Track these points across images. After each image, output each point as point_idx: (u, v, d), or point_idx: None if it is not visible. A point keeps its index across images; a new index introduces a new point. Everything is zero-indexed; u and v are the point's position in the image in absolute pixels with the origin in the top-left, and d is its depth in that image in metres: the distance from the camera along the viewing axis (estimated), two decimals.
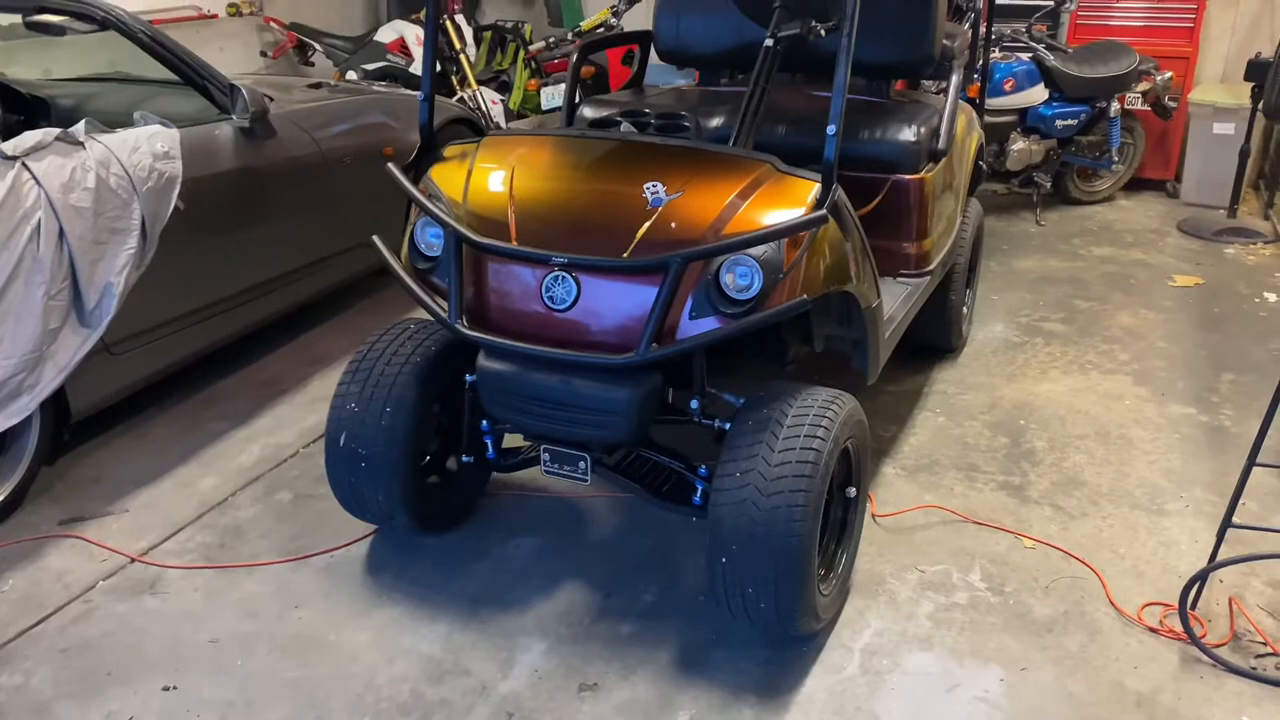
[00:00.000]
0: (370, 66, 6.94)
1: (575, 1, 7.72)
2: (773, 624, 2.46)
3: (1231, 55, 6.34)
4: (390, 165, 2.78)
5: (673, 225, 2.43)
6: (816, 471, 2.34)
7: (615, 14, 6.26)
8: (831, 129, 2.39)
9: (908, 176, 3.29)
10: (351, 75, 6.92)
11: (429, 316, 2.64)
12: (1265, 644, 2.56)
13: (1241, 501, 2.74)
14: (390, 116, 4.75)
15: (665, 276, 2.35)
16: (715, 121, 3.42)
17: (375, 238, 2.79)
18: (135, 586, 2.82)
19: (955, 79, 3.57)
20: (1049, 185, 5.97)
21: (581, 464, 2.63)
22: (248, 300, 3.96)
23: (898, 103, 3.66)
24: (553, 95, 5.48)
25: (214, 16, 7.01)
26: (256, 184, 3.92)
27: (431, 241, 2.69)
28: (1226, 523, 2.62)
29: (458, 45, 6.84)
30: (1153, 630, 2.63)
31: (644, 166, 2.62)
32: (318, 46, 7.17)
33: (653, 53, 4.07)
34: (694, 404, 2.63)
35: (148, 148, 3.43)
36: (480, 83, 6.83)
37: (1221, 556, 2.66)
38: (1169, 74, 5.76)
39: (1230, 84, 6.18)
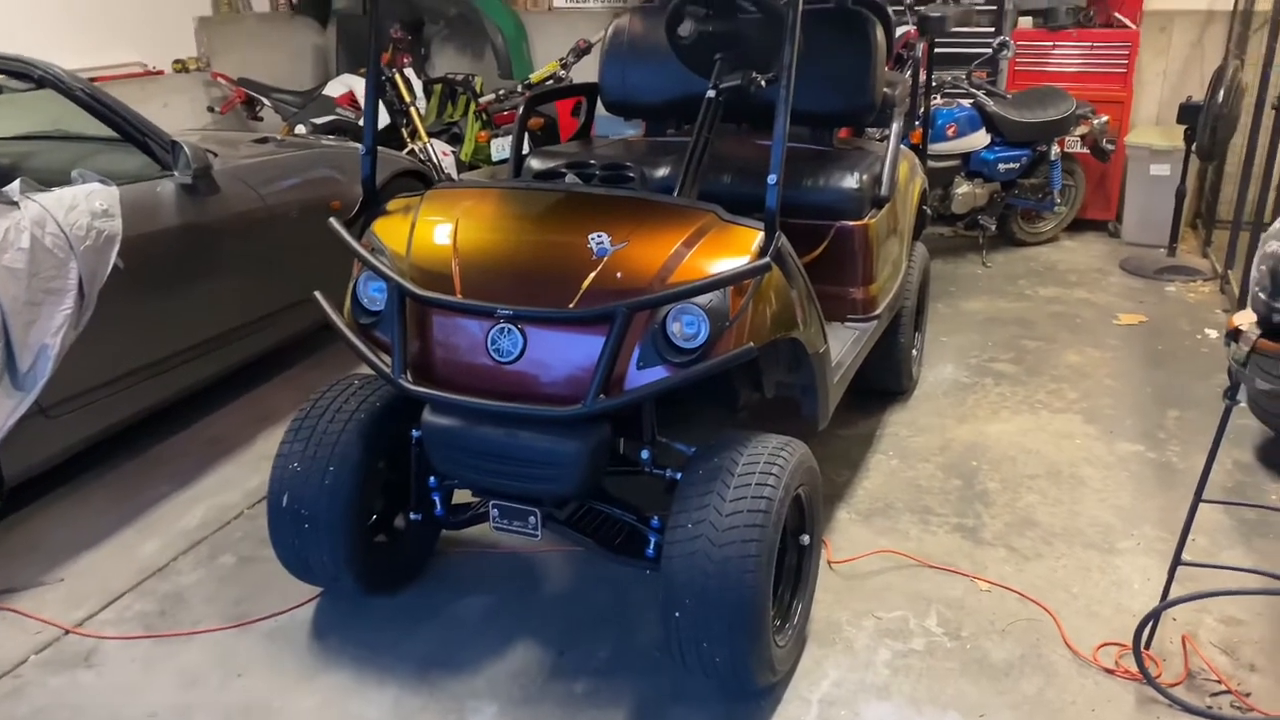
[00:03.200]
0: (319, 120, 6.92)
1: (524, 54, 7.77)
2: (729, 678, 2.42)
3: (1164, 99, 6.52)
4: (332, 220, 2.75)
5: (618, 275, 2.42)
6: (769, 520, 2.32)
7: (564, 66, 6.31)
8: (772, 178, 2.41)
9: (852, 223, 3.31)
10: (301, 130, 6.89)
11: (372, 372, 2.60)
12: (1219, 682, 2.56)
13: (1191, 538, 2.77)
14: (337, 170, 4.72)
15: (611, 326, 2.33)
16: (661, 172, 3.44)
17: (317, 293, 2.75)
18: (70, 660, 2.72)
19: (896, 126, 3.62)
20: (994, 228, 6.07)
21: (531, 519, 2.58)
22: (191, 359, 3.88)
23: (840, 151, 3.70)
24: (502, 147, 5.50)
25: (160, 73, 6.96)
26: (199, 241, 3.86)
27: (374, 296, 2.66)
28: (1176, 560, 2.64)
29: (408, 98, 6.84)
30: (1108, 671, 2.62)
31: (589, 217, 2.62)
32: (266, 101, 7.14)
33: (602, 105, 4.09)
34: (644, 454, 2.60)
35: (85, 206, 3.37)
36: (432, 135, 6.84)
37: (1173, 594, 2.67)
38: (1105, 118, 5.90)
39: (1164, 126, 6.34)
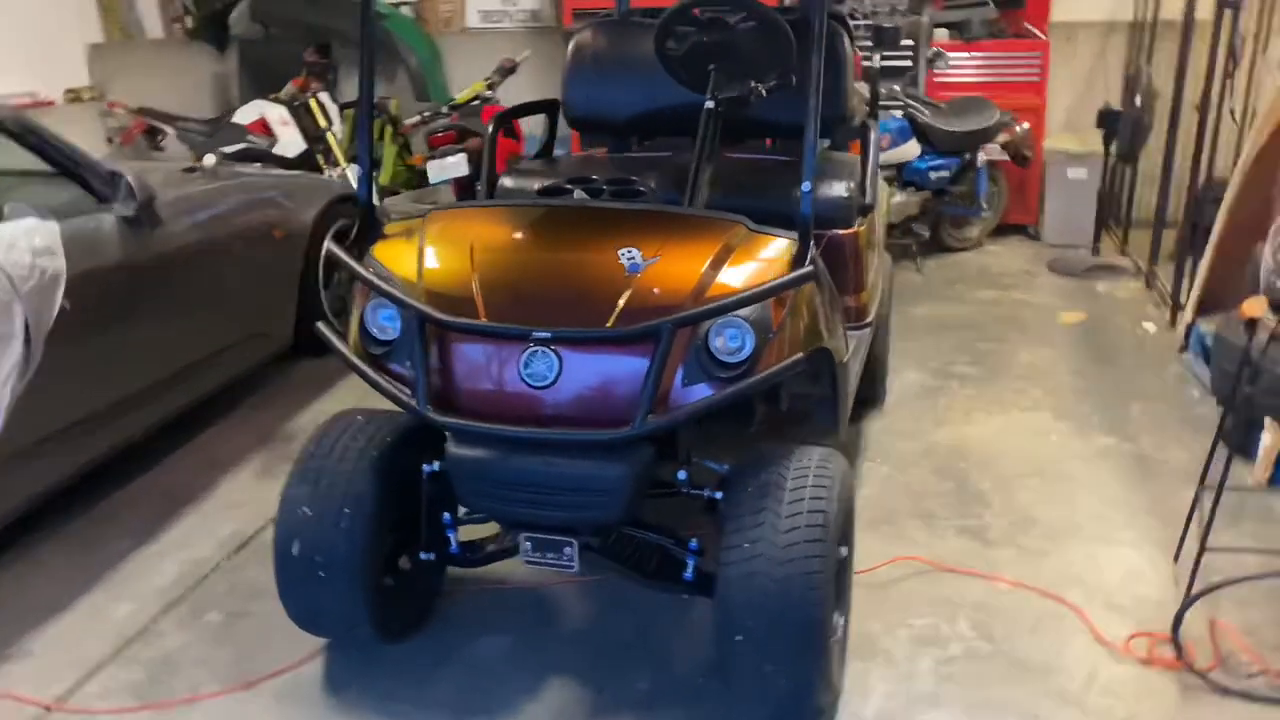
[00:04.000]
0: (230, 149, 6.58)
1: (439, 77, 7.61)
2: (789, 701, 2.34)
3: (1072, 106, 6.80)
4: (331, 245, 2.59)
5: (655, 291, 2.34)
6: (827, 535, 2.26)
7: (491, 86, 6.19)
8: (806, 186, 2.38)
9: (843, 231, 3.30)
10: (210, 159, 6.56)
11: (377, 406, 2.45)
12: (1253, 663, 2.61)
13: (1191, 526, 2.85)
14: (279, 198, 4.50)
15: (657, 344, 2.24)
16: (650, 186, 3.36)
17: (320, 325, 2.58)
18: None
19: (874, 136, 3.63)
20: (927, 235, 6.20)
21: (567, 550, 2.46)
22: (140, 405, 3.61)
23: (820, 162, 3.69)
24: (441, 169, 5.35)
25: (50, 103, 6.56)
26: (143, 277, 3.60)
27: (384, 325, 2.49)
28: (1202, 549, 2.69)
29: (323, 124, 6.61)
30: (1145, 662, 2.64)
31: (613, 232, 2.53)
32: (169, 130, 6.78)
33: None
34: (681, 475, 2.51)
35: (25, 244, 3.11)
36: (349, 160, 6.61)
37: (1187, 582, 2.72)
38: (1027, 125, 6.10)
39: (1077, 132, 6.60)
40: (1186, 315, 4.66)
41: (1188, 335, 4.64)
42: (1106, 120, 5.69)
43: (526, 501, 2.36)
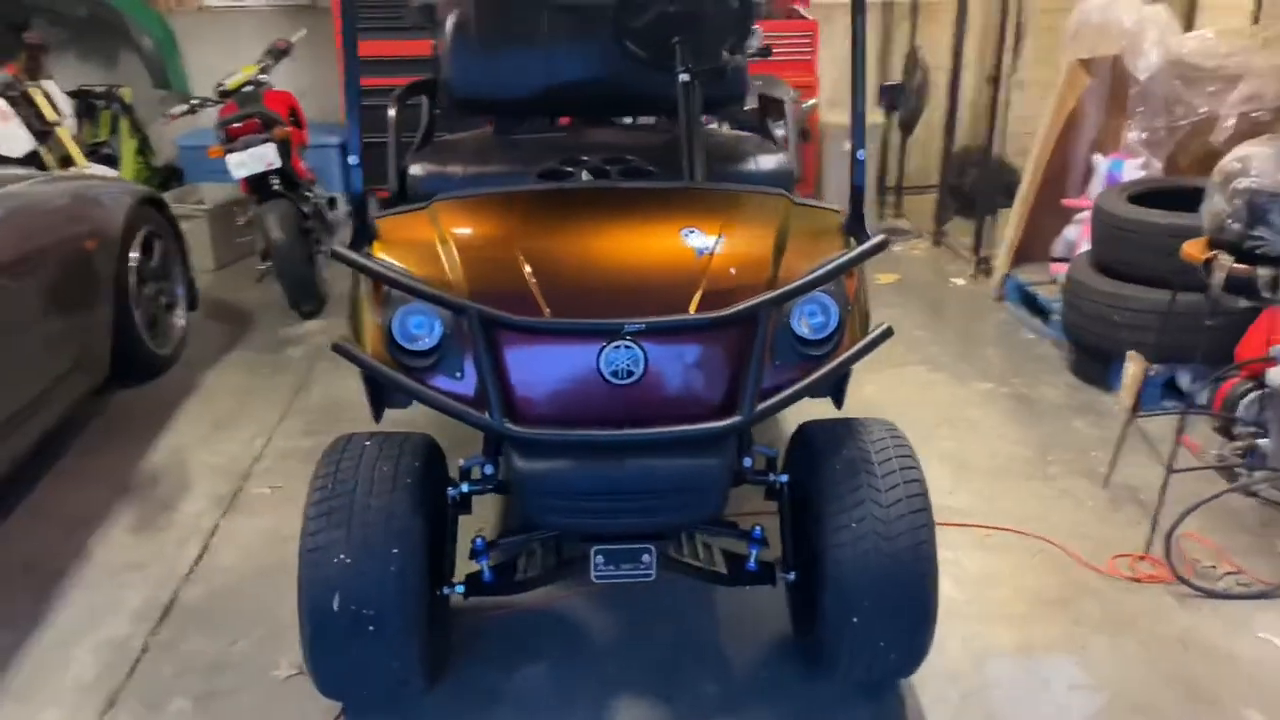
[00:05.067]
0: None
1: (177, 62, 6.75)
2: (896, 674, 2.34)
3: (836, 81, 7.24)
4: (339, 249, 2.21)
5: (732, 272, 2.21)
6: (926, 501, 2.26)
7: (264, 70, 5.55)
8: (861, 154, 2.35)
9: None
10: None
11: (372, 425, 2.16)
12: (1217, 566, 2.93)
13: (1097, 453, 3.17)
14: (84, 203, 3.80)
15: (756, 327, 2.12)
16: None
17: (340, 343, 2.21)
18: None
19: (789, 109, 3.66)
20: None
21: (646, 557, 2.28)
22: None
23: (728, 134, 3.67)
24: (243, 162, 4.72)
25: None
26: None
27: (416, 333, 2.17)
28: (1169, 472, 2.98)
29: (51, 116, 5.65)
30: (1136, 580, 2.89)
31: (661, 213, 2.36)
32: None
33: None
34: (747, 462, 2.40)
35: None
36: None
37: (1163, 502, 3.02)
38: (814, 101, 6.42)
39: (842, 106, 7.03)
40: (1002, 268, 5.14)
41: (1003, 285, 5.12)
42: (888, 93, 6.11)
43: (614, 510, 2.16)
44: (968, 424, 3.87)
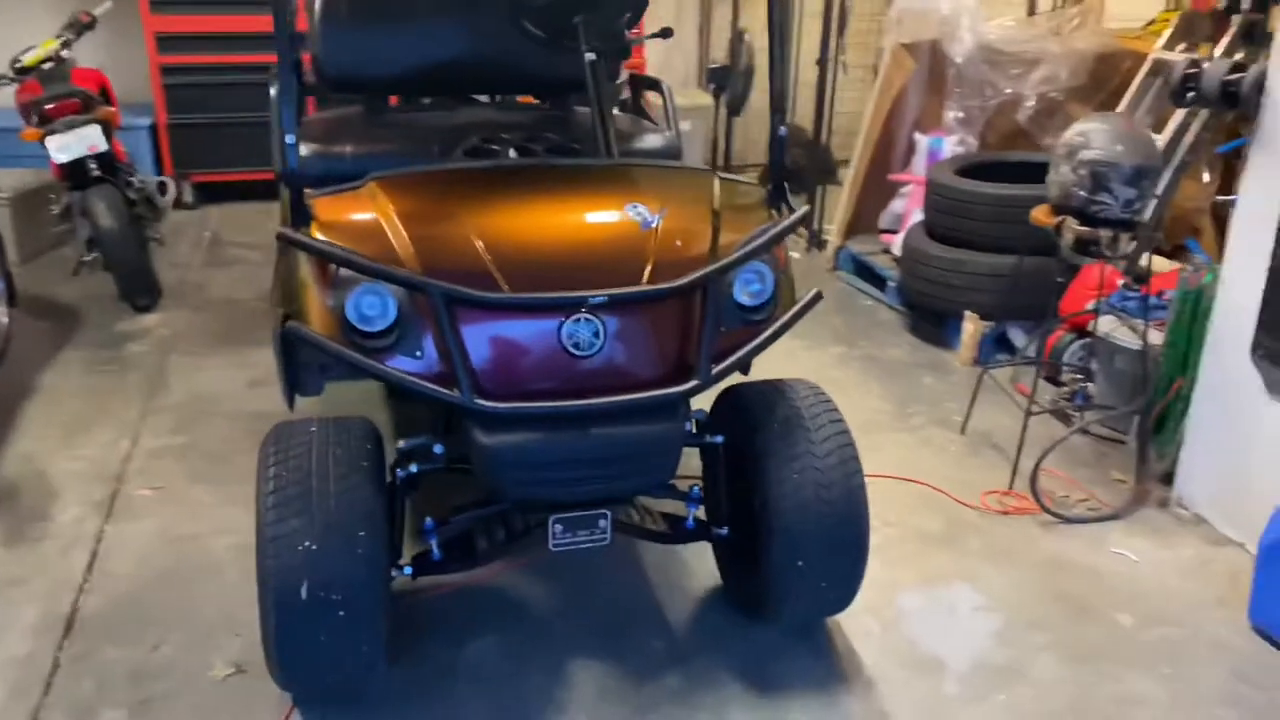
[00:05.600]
0: None
1: None
2: (832, 611, 2.54)
3: (659, 65, 7.43)
4: (288, 232, 2.15)
5: (677, 244, 2.31)
6: (855, 449, 2.45)
7: (66, 45, 5.11)
8: (783, 131, 2.50)
9: None
10: None
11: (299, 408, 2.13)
12: (1070, 496, 3.32)
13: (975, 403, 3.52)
14: None
15: (705, 295, 2.24)
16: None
17: (293, 324, 2.15)
18: None
19: (666, 88, 3.77)
20: None
21: (602, 522, 2.35)
22: None
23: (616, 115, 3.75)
24: (66, 144, 4.31)
25: None
26: None
27: (369, 314, 2.15)
28: (1027, 415, 3.33)
29: None
30: (1006, 513, 3.23)
31: (601, 189, 2.42)
32: None
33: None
34: (687, 426, 2.52)
35: None
36: None
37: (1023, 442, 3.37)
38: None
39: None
40: (835, 240, 5.48)
41: (837, 256, 5.47)
42: (716, 76, 6.34)
43: (580, 479, 2.23)
44: (834, 384, 4.03)
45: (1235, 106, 2.95)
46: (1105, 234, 3.07)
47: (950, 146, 5.16)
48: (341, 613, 2.11)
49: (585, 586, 2.83)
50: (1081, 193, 3.04)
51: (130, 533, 3.02)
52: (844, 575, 2.44)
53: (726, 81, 6.27)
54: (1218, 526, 3.12)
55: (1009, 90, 5.10)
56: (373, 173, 2.37)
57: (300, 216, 2.23)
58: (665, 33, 3.60)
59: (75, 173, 4.67)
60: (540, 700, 2.41)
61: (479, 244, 2.21)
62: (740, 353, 2.30)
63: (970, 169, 4.58)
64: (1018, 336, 4.32)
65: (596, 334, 2.18)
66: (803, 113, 6.38)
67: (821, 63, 5.60)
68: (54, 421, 3.66)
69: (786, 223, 2.40)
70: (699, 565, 2.86)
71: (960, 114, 5.11)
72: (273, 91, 3.26)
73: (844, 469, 2.40)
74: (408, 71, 3.49)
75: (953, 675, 2.52)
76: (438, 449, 2.35)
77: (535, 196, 2.41)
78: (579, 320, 2.17)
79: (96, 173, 4.66)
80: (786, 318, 2.37)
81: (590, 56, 2.88)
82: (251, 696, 2.37)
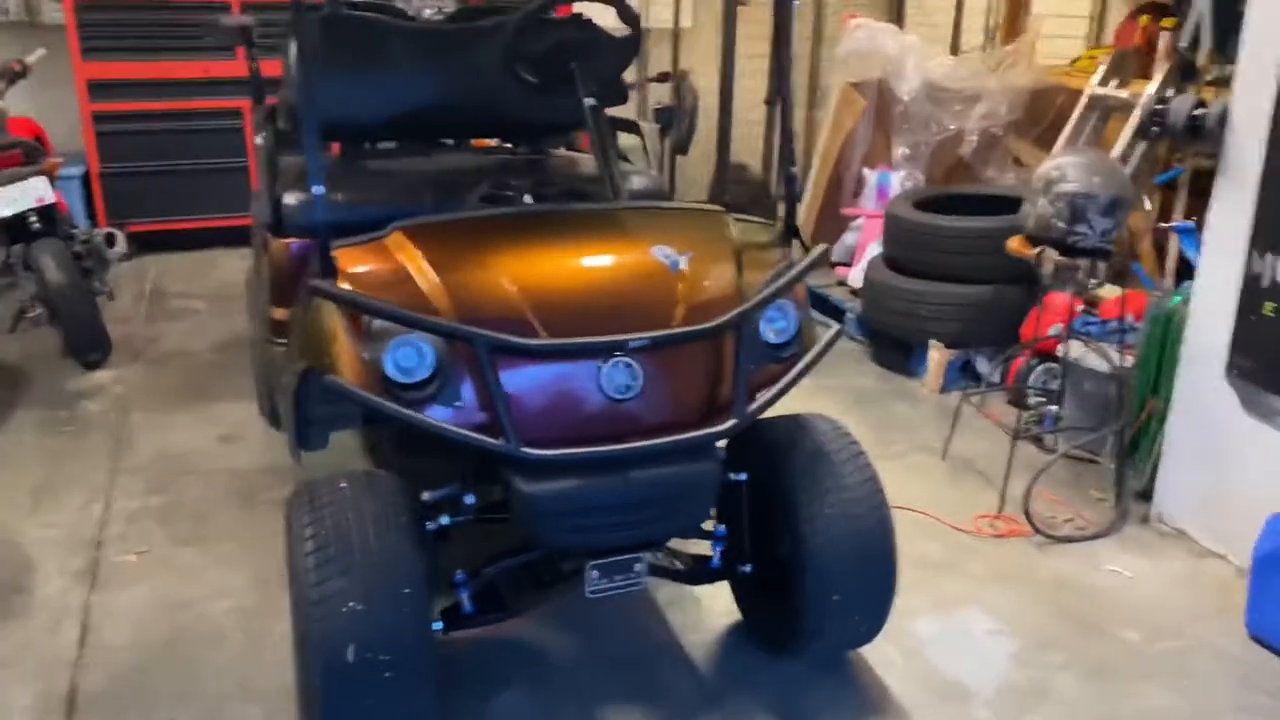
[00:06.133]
0: None
1: None
2: (862, 642, 2.56)
3: None
4: (324, 285, 2.10)
5: (705, 284, 2.33)
6: (879, 482, 2.49)
7: None
8: (794, 169, 2.55)
9: None
10: None
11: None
12: (1056, 516, 3.42)
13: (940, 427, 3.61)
14: None
15: (739, 335, 2.26)
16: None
17: (332, 378, 2.09)
18: None
19: (646, 129, 3.80)
20: None
21: (638, 566, 2.34)
22: None
23: (568, 156, 3.77)
24: (11, 199, 4.12)
25: None
26: None
27: (406, 365, 2.12)
28: (1015, 440, 3.44)
29: None
30: (1000, 536, 3.31)
31: (625, 233, 2.42)
32: None
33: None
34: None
35: None
36: None
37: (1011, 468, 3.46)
38: None
39: None
40: None
41: None
42: (662, 117, 6.43)
43: (623, 524, 2.22)
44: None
45: (1199, 139, 3.11)
46: (1083, 263, 3.20)
47: (898, 181, 5.32)
48: (389, 674, 2.05)
49: (603, 631, 2.80)
50: (1060, 224, 3.16)
51: (120, 602, 2.88)
52: (875, 606, 2.47)
53: (671, 121, 6.40)
54: (1199, 540, 3.25)
55: (952, 126, 5.30)
56: (396, 222, 2.33)
57: (327, 269, 2.18)
58: (665, 77, 3.64)
59: (11, 226, 4.48)
60: None
61: (513, 291, 2.20)
62: (775, 389, 2.32)
63: (926, 202, 4.73)
64: (982, 364, 4.45)
65: (634, 377, 2.18)
66: (748, 148, 6.50)
67: (770, 101, 5.73)
68: (17, 487, 3.49)
69: (808, 260, 2.44)
70: (713, 604, 2.86)
71: (907, 150, 5.28)
72: (259, 140, 3.19)
73: (871, 500, 2.44)
74: (386, 117, 3.46)
75: (980, 700, 2.57)
76: (469, 500, 2.31)
77: (561, 241, 2.41)
78: (616, 364, 2.17)
79: (37, 225, 4.49)
80: (814, 353, 2.41)
81: (590, 102, 2.91)
82: None
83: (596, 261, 2.38)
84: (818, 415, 2.66)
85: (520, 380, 2.14)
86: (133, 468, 3.64)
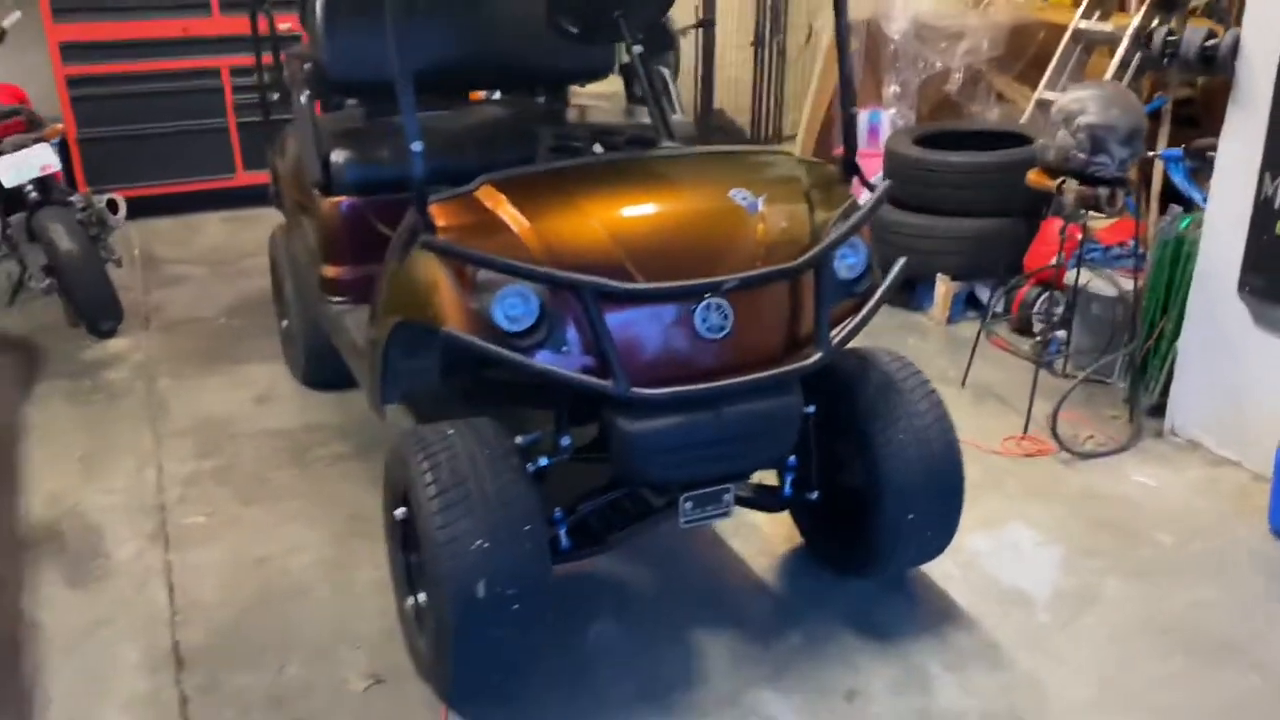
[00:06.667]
0: None
1: None
2: (930, 558, 2.71)
3: None
4: (435, 240, 2.16)
5: (783, 225, 2.43)
6: (944, 406, 2.63)
7: None
8: (853, 110, 2.64)
9: None
10: None
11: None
12: (1078, 434, 3.61)
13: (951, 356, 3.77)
14: None
15: (819, 272, 2.37)
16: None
17: (450, 330, 2.16)
18: None
19: (667, 73, 3.85)
20: None
21: (726, 496, 2.46)
22: None
23: (589, 105, 3.82)
24: (18, 165, 4.02)
25: None
26: None
27: (514, 314, 2.19)
28: (1038, 366, 3.61)
29: None
30: (1029, 456, 3.50)
31: (698, 179, 2.51)
32: None
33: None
34: None
35: None
36: None
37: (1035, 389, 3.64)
38: None
39: None
40: None
41: None
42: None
43: (723, 457, 2.34)
44: None
45: (1212, 68, 3.26)
46: (1103, 191, 3.35)
47: (888, 120, 5.44)
48: (516, 606, 2.16)
49: (673, 561, 2.93)
50: (1081, 155, 3.31)
51: (200, 561, 2.93)
52: (946, 523, 2.63)
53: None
54: (1213, 449, 3.47)
55: (939, 63, 5.41)
56: (482, 176, 2.38)
57: (425, 225, 2.23)
58: (705, 24, 3.69)
59: (10, 196, 4.41)
60: (680, 673, 2.50)
61: (606, 238, 2.27)
62: (854, 322, 2.44)
63: (923, 139, 4.85)
64: (983, 294, 4.62)
65: (725, 316, 2.28)
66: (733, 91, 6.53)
67: (756, 45, 5.79)
68: (65, 457, 3.49)
69: (876, 196, 2.55)
70: (774, 530, 3.00)
71: (898, 88, 5.39)
72: (302, 99, 3.19)
73: (940, 425, 2.58)
74: (416, 71, 3.47)
75: (1040, 604, 2.75)
76: (565, 441, 2.41)
77: (644, 188, 2.48)
78: (709, 305, 2.26)
79: (35, 195, 4.41)
80: (887, 284, 2.53)
81: (638, 49, 2.97)
82: (402, 703, 2.39)
83: (680, 206, 2.46)
84: (879, 348, 2.79)
85: (619, 323, 2.23)
86: (176, 432, 3.66)
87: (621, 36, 2.99)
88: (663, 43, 3.09)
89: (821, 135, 5.53)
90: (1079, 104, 3.31)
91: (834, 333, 2.41)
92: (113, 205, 4.65)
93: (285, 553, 2.97)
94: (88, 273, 4.29)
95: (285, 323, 4.05)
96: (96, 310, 4.37)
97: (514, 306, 2.19)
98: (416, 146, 2.20)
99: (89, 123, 5.89)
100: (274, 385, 4.01)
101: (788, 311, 2.39)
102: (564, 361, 2.21)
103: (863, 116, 5.52)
